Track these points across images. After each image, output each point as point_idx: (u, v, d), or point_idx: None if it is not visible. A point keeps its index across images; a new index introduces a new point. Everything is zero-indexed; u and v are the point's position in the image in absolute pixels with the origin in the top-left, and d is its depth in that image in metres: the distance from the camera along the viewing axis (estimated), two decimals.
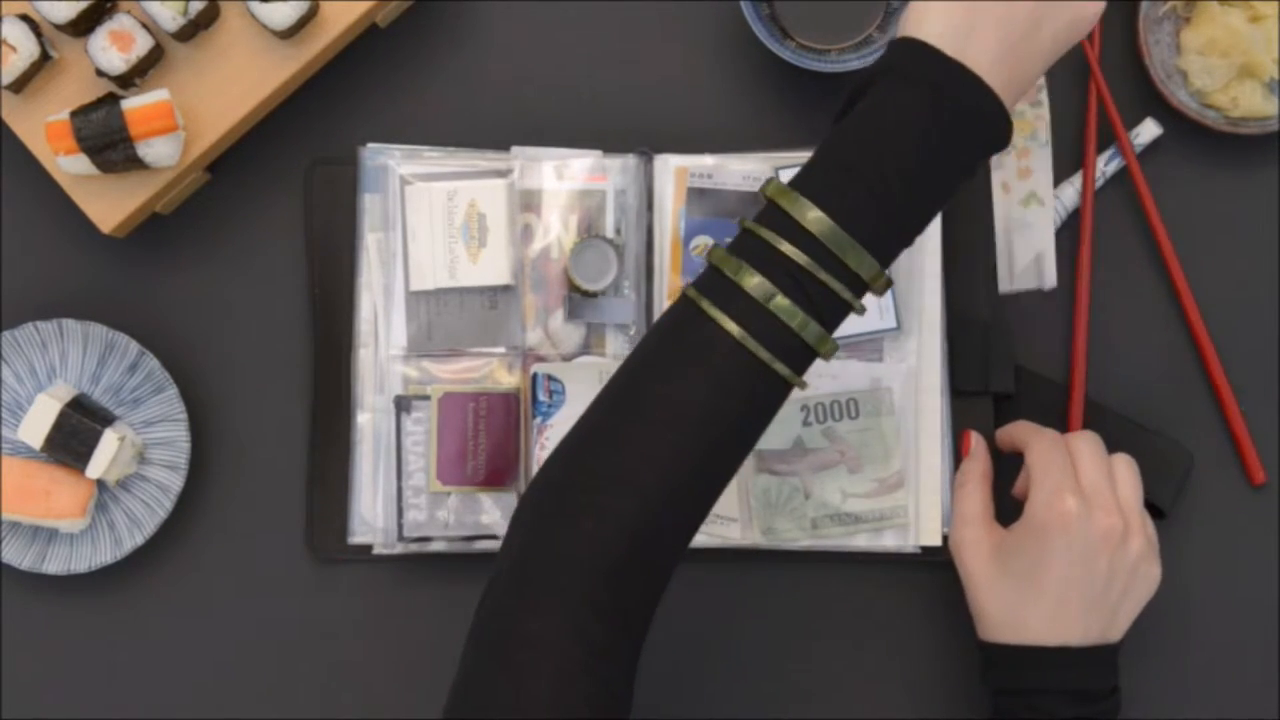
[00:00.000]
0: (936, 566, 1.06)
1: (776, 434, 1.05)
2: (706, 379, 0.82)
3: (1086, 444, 0.98)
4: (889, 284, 0.85)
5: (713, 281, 0.83)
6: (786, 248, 0.82)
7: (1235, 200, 1.10)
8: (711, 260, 0.84)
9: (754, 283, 0.82)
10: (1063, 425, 1.07)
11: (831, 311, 0.83)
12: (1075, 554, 0.95)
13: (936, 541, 1.05)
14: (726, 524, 1.05)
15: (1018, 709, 0.96)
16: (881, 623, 1.08)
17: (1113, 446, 1.07)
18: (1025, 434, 1.00)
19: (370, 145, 1.07)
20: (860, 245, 0.82)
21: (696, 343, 0.82)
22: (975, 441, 1.03)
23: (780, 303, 0.81)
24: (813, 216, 0.82)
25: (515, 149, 1.07)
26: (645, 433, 0.81)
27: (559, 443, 0.84)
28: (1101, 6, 0.89)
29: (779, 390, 0.84)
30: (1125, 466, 0.98)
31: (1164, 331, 1.09)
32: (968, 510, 1.00)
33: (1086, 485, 0.96)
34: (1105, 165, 1.09)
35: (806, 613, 1.08)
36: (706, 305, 0.82)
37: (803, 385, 0.85)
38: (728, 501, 1.05)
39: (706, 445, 0.82)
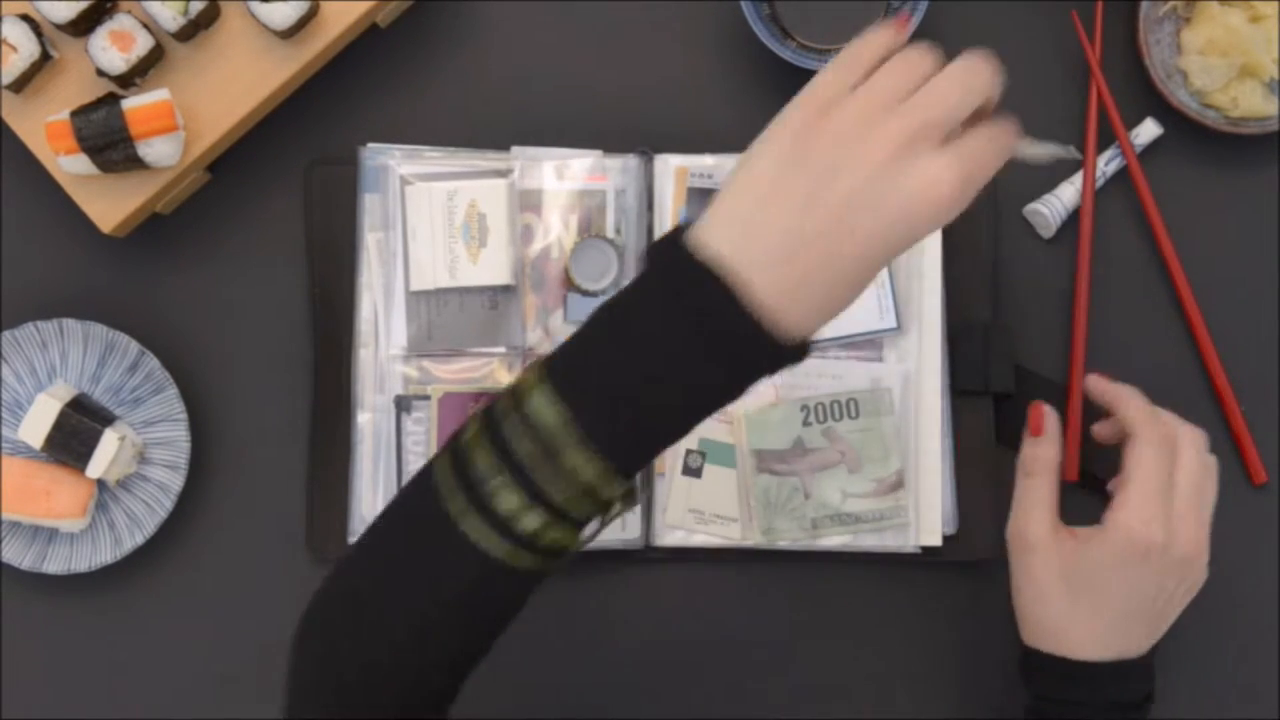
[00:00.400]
0: (936, 566, 1.06)
1: (777, 434, 1.05)
2: (448, 590, 0.76)
3: (1192, 450, 0.93)
4: (631, 498, 0.77)
5: (458, 464, 0.76)
6: (524, 446, 0.74)
7: (1235, 200, 1.10)
8: (464, 441, 0.77)
9: (499, 485, 0.74)
10: (1062, 425, 1.07)
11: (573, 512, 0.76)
12: (1150, 580, 0.92)
13: (937, 541, 1.05)
14: (726, 524, 1.05)
15: (1053, 711, 0.94)
16: (881, 623, 1.08)
17: (1113, 446, 1.07)
18: (1134, 416, 0.93)
19: (370, 145, 1.07)
20: (594, 451, 0.73)
21: (434, 546, 0.76)
22: (1049, 420, 0.96)
23: (508, 500, 0.75)
24: (549, 415, 0.74)
25: (515, 149, 1.07)
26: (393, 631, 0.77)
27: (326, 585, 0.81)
28: (951, 195, 0.73)
29: (520, 582, 0.77)
30: (1213, 478, 0.94)
31: (1164, 331, 1.09)
32: (1035, 509, 0.94)
33: (1179, 505, 0.91)
34: (1105, 165, 1.09)
35: (806, 613, 1.08)
36: (449, 501, 0.76)
37: (547, 572, 0.78)
38: (728, 501, 1.05)
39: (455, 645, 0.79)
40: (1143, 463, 0.92)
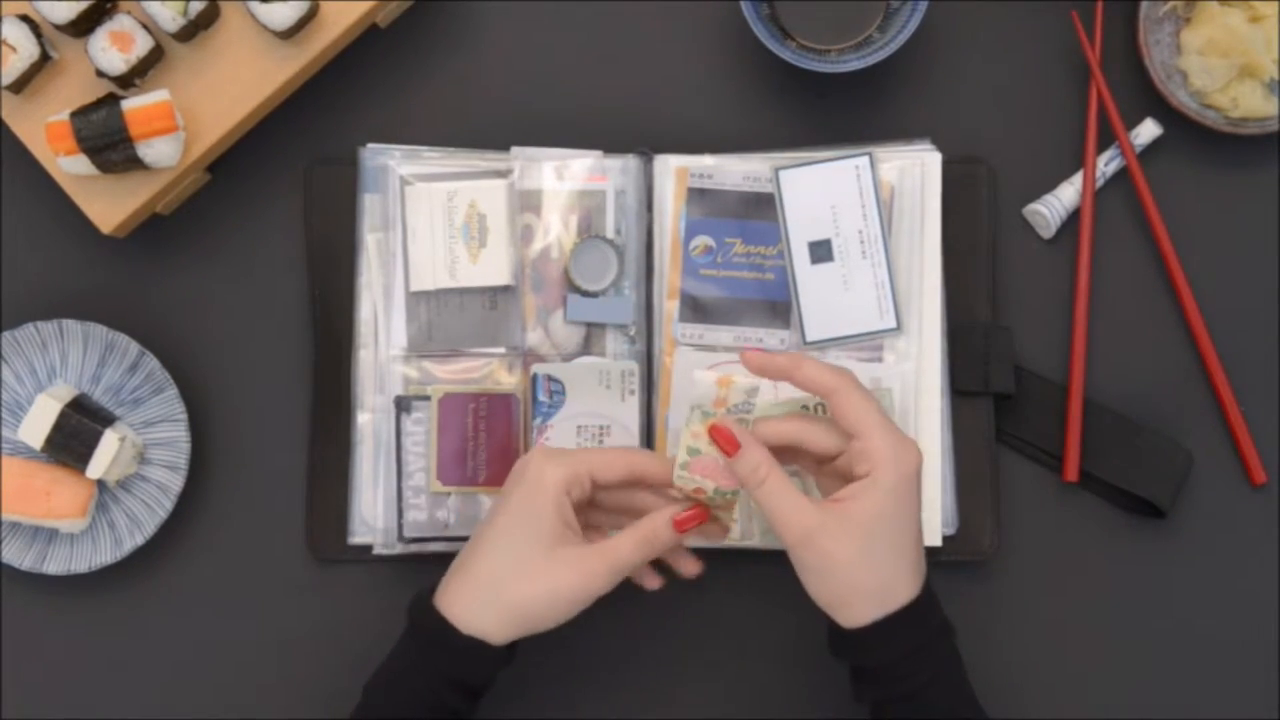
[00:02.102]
0: (936, 566, 1.06)
1: None
2: None
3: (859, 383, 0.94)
4: None
5: None
6: None
7: (1235, 200, 1.10)
8: None
9: None
10: (1062, 425, 1.07)
11: None
12: (916, 499, 0.92)
13: (936, 541, 1.05)
14: None
15: (911, 669, 0.92)
16: None
17: (1113, 446, 1.07)
18: (817, 372, 0.93)
19: (370, 145, 1.07)
20: None
21: None
22: (736, 433, 0.92)
23: None
24: None
25: (515, 149, 1.07)
26: None
27: None
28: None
29: None
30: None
31: (1164, 331, 1.09)
32: (787, 505, 0.91)
33: (905, 438, 0.92)
34: (1105, 165, 1.09)
35: (806, 613, 1.08)
36: None
37: None
38: None
39: None
40: (859, 404, 0.91)
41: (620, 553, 0.93)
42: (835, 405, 0.92)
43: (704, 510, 0.95)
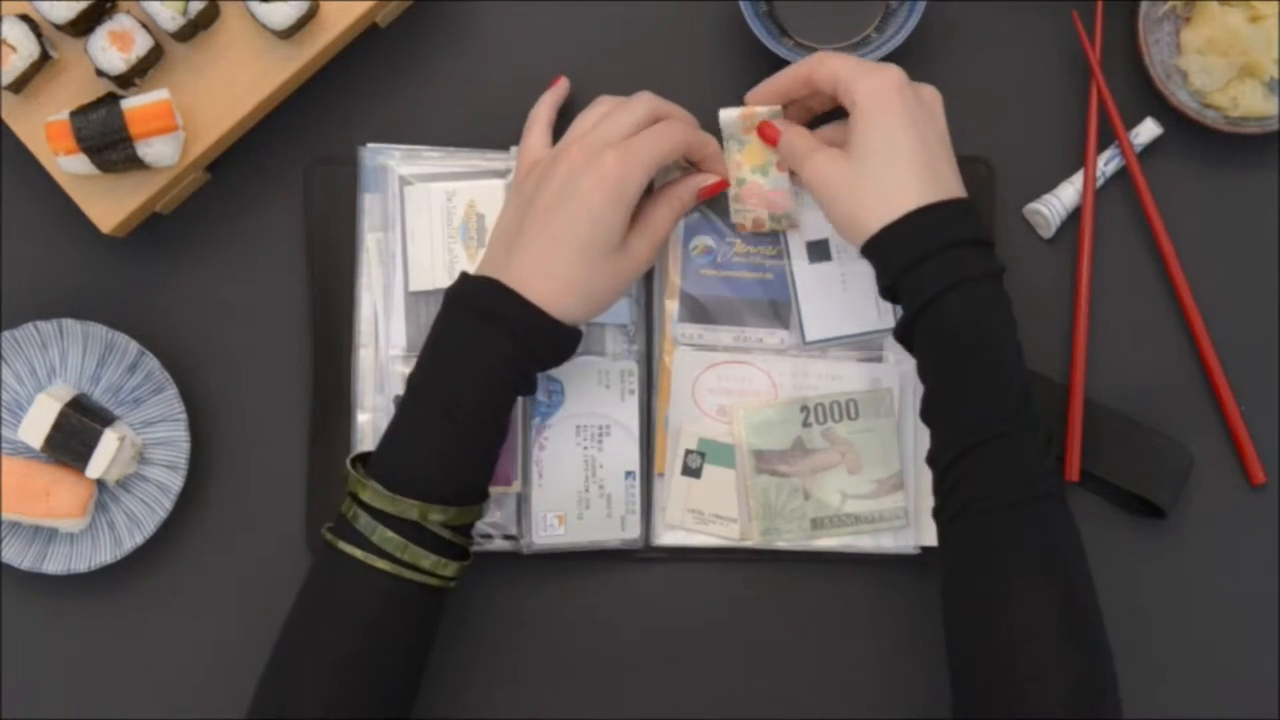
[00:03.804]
0: (936, 566, 1.06)
1: (776, 434, 1.05)
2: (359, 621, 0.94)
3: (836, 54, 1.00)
4: (477, 510, 0.96)
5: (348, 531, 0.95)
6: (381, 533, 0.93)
7: (1235, 200, 1.10)
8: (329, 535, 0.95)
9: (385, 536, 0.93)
10: (1063, 424, 1.07)
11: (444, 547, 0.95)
12: (920, 115, 0.96)
13: (932, 543, 1.05)
14: (726, 524, 1.05)
15: (929, 277, 0.93)
16: (880, 623, 1.08)
17: (1113, 446, 1.07)
18: (800, 67, 1.00)
19: (370, 145, 1.07)
20: (439, 504, 0.93)
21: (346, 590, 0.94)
22: (777, 123, 1.03)
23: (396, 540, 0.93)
24: (398, 501, 0.93)
25: (514, 149, 1.07)
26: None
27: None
28: (615, 168, 0.96)
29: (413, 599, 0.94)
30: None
31: (1164, 331, 1.09)
32: (804, 145, 1.00)
33: (889, 68, 0.97)
34: (1105, 165, 1.09)
35: (806, 613, 1.08)
36: (345, 546, 0.93)
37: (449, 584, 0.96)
38: (727, 502, 1.05)
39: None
40: (832, 66, 0.98)
41: (660, 229, 1.01)
42: (818, 80, 0.99)
43: (724, 181, 1.05)
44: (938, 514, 0.95)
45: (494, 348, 0.94)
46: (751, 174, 1.05)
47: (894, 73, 0.96)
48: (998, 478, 0.92)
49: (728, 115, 1.04)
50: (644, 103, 1.01)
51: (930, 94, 0.98)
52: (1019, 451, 0.92)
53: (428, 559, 0.93)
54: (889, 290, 0.96)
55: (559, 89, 1.07)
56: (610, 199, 0.95)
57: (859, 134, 0.96)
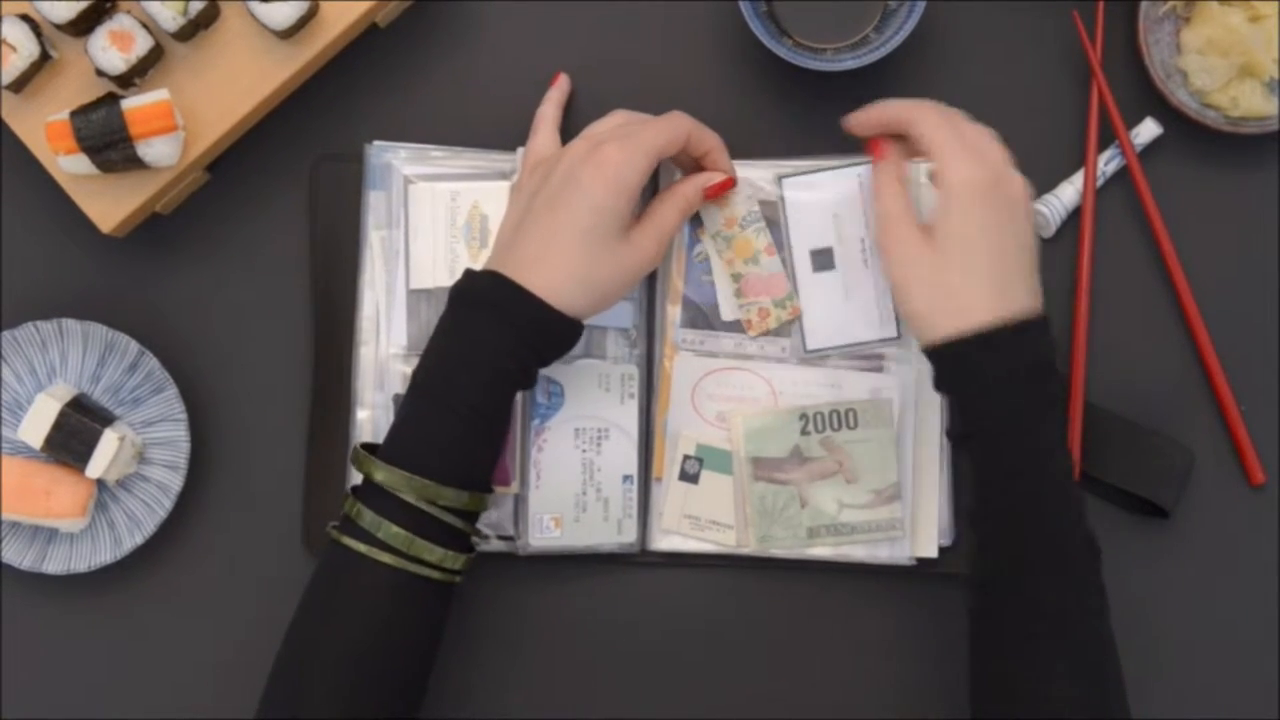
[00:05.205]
0: (931, 578, 1.06)
1: (775, 442, 1.05)
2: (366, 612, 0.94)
3: (956, 112, 0.98)
4: (484, 500, 0.96)
5: (352, 528, 0.94)
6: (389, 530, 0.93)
7: (1235, 200, 1.10)
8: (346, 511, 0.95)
9: (393, 531, 0.93)
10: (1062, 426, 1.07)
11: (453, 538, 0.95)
12: (996, 221, 0.94)
13: (933, 553, 1.05)
14: (722, 530, 1.05)
15: (973, 403, 0.94)
16: (876, 633, 1.08)
17: (1113, 446, 1.07)
18: (904, 110, 0.98)
19: (376, 143, 1.07)
20: (447, 485, 0.93)
21: (354, 582, 0.94)
22: (886, 144, 1.01)
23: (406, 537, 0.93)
24: (405, 479, 0.93)
25: (520, 150, 1.07)
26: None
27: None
28: (615, 157, 0.95)
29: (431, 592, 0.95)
30: (986, 129, 0.98)
31: (1164, 331, 1.09)
32: (892, 209, 0.98)
33: (976, 141, 0.96)
34: (1105, 165, 1.09)
35: (800, 621, 1.08)
36: (351, 543, 0.93)
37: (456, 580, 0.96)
38: (724, 508, 1.05)
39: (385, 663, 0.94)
40: (930, 131, 0.96)
41: (667, 224, 1.00)
42: (915, 138, 0.97)
43: (731, 180, 1.03)
44: (979, 593, 0.95)
45: (493, 339, 0.94)
46: (745, 267, 1.05)
47: (989, 163, 0.95)
48: (1046, 603, 0.93)
49: (708, 214, 1.06)
50: (663, 118, 1.00)
51: (1020, 190, 0.96)
52: (1066, 578, 0.93)
53: (434, 552, 0.93)
54: (942, 389, 0.96)
55: (561, 86, 1.07)
56: (611, 187, 0.95)
57: (942, 226, 0.95)
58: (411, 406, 0.96)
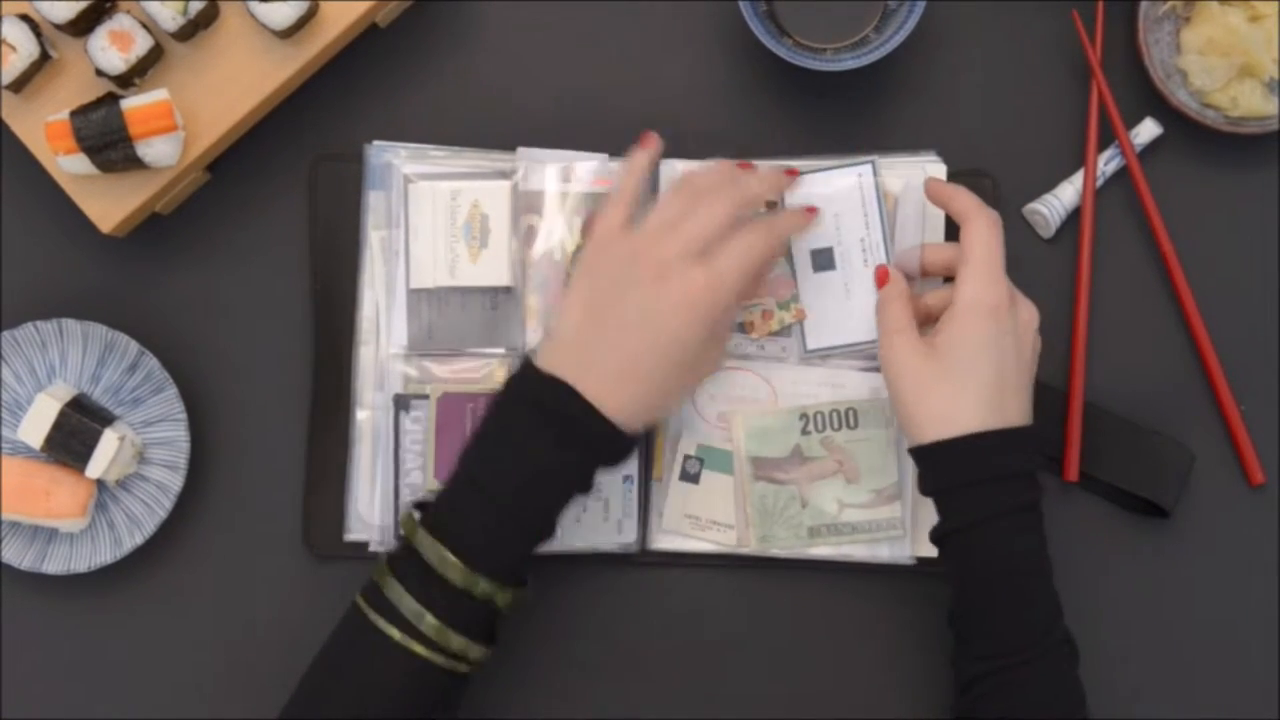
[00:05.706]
0: (931, 578, 1.06)
1: (775, 442, 1.05)
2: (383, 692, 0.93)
3: (999, 227, 0.99)
4: (522, 595, 0.95)
5: (378, 600, 0.94)
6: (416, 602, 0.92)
7: (1235, 200, 1.10)
8: (375, 579, 0.94)
9: (411, 607, 0.92)
10: (1063, 425, 1.07)
11: (476, 620, 0.94)
12: (1000, 342, 0.96)
13: (933, 553, 1.05)
14: (723, 530, 1.05)
15: (954, 503, 0.96)
16: (875, 633, 1.08)
17: (1113, 446, 1.07)
18: (967, 205, 0.99)
19: (376, 143, 1.07)
20: (485, 575, 0.92)
21: (369, 661, 0.94)
22: (891, 270, 1.03)
23: (430, 622, 0.92)
24: (447, 559, 0.92)
25: (521, 150, 1.07)
26: None
27: None
28: (701, 291, 0.93)
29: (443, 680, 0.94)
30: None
31: (1164, 331, 1.09)
32: (894, 322, 0.99)
33: (1005, 279, 0.98)
34: (1105, 165, 1.09)
35: (800, 621, 1.08)
36: (374, 618, 0.93)
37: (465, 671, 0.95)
38: (725, 508, 1.05)
39: None
40: (980, 240, 0.97)
41: (729, 333, 1.04)
42: (961, 233, 0.99)
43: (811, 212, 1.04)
44: (964, 712, 0.97)
45: (566, 458, 0.94)
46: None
47: (1001, 289, 0.96)
48: (1025, 701, 0.94)
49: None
50: (727, 196, 0.97)
51: (1028, 316, 0.99)
52: (1044, 676, 0.95)
53: (473, 649, 0.93)
54: (926, 491, 0.98)
55: (651, 151, 1.01)
56: (695, 323, 0.94)
57: (944, 336, 0.97)
58: (464, 497, 0.94)
